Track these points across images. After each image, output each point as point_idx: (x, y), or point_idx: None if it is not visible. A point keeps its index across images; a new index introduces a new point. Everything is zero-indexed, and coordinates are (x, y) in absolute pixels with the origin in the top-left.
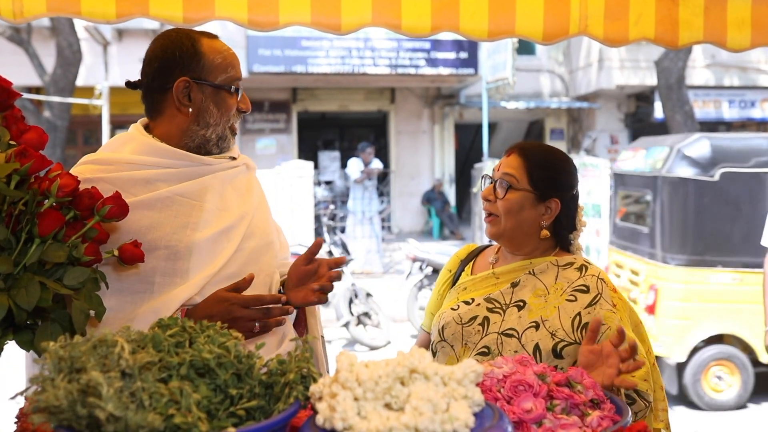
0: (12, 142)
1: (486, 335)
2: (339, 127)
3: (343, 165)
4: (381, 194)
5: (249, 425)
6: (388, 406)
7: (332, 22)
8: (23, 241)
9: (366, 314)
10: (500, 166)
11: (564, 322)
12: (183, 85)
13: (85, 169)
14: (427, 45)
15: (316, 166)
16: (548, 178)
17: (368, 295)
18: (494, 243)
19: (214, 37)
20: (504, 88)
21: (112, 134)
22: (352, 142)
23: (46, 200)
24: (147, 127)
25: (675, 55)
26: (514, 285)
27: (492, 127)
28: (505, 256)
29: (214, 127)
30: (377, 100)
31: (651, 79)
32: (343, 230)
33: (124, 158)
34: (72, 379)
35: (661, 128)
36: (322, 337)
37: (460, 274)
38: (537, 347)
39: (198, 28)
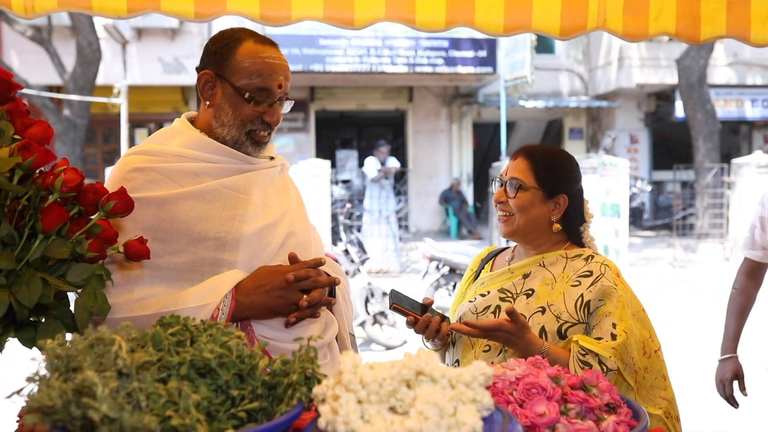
0: (16, 137)
1: None
2: (357, 126)
3: (361, 164)
4: (398, 193)
5: (249, 427)
6: (392, 409)
7: (345, 17)
8: (26, 236)
9: (382, 313)
10: (508, 170)
11: (568, 305)
12: (205, 78)
13: (136, 159)
14: (445, 43)
15: (333, 165)
16: (553, 176)
17: (384, 294)
18: (512, 245)
19: (265, 42)
20: (522, 87)
21: (131, 133)
22: (370, 141)
23: (50, 195)
24: (192, 120)
25: (696, 54)
26: (525, 276)
27: (510, 126)
28: (519, 253)
29: (228, 128)
30: (395, 98)
31: (672, 78)
32: (359, 229)
33: (172, 150)
34: (67, 379)
35: (682, 127)
36: (352, 335)
37: (480, 273)
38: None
39: (215, 22)
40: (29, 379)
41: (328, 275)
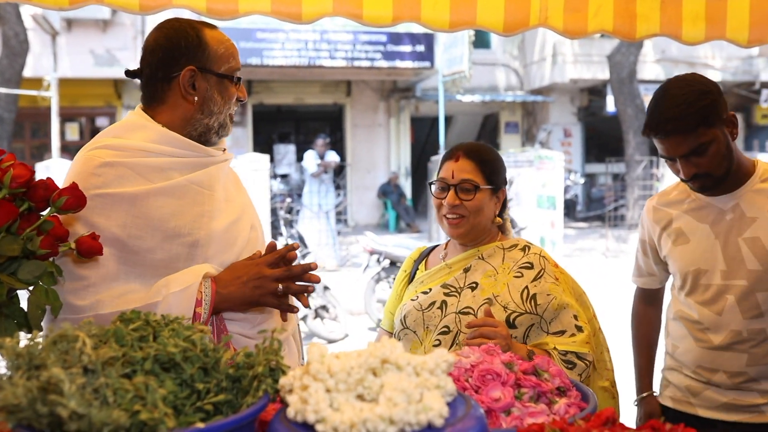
0: None
1: (445, 316)
2: (294, 120)
3: (299, 158)
4: (338, 187)
5: (217, 420)
6: (360, 397)
7: (292, 11)
8: None
9: (323, 307)
10: (453, 172)
11: (514, 296)
12: (189, 74)
13: (103, 153)
14: (383, 38)
15: (271, 160)
16: (496, 172)
17: (326, 288)
18: (442, 241)
19: (214, 27)
20: (460, 81)
21: (62, 127)
22: (308, 136)
23: None
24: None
25: (627, 50)
26: (466, 270)
27: (447, 120)
28: (454, 249)
29: (217, 116)
30: (333, 93)
31: (603, 74)
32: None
33: (137, 145)
34: (31, 377)
35: (614, 122)
36: (299, 330)
37: (415, 273)
38: None
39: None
40: None
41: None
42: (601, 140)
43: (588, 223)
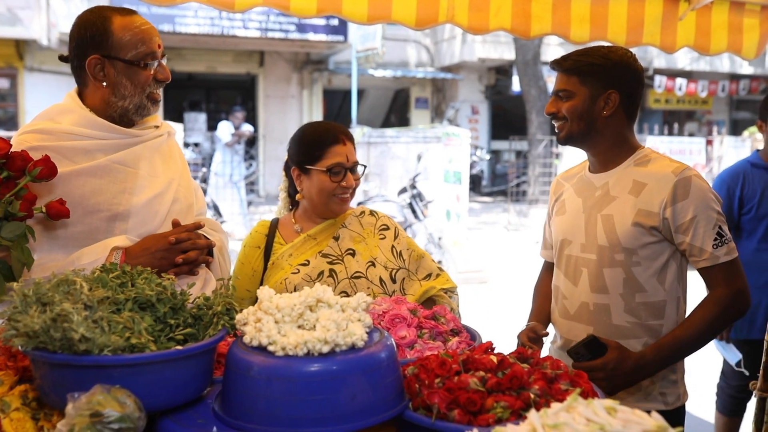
0: None
1: (339, 282)
2: (206, 89)
3: (210, 127)
4: (251, 157)
5: (190, 345)
6: (300, 327)
7: (226, 0)
8: None
9: None
10: (348, 156)
11: (387, 255)
12: (94, 62)
13: (30, 138)
14: None
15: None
16: None
17: None
18: (280, 217)
19: (129, 13)
20: (373, 57)
21: None
22: (219, 105)
23: None
24: (80, 95)
25: None
26: (336, 239)
27: (359, 93)
28: (308, 221)
29: (131, 98)
30: (246, 62)
31: (510, 54)
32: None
33: (64, 129)
34: (43, 311)
35: (518, 101)
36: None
37: (270, 248)
38: (381, 279)
39: None
40: (2, 315)
41: (207, 237)
42: (507, 118)
43: (492, 198)
